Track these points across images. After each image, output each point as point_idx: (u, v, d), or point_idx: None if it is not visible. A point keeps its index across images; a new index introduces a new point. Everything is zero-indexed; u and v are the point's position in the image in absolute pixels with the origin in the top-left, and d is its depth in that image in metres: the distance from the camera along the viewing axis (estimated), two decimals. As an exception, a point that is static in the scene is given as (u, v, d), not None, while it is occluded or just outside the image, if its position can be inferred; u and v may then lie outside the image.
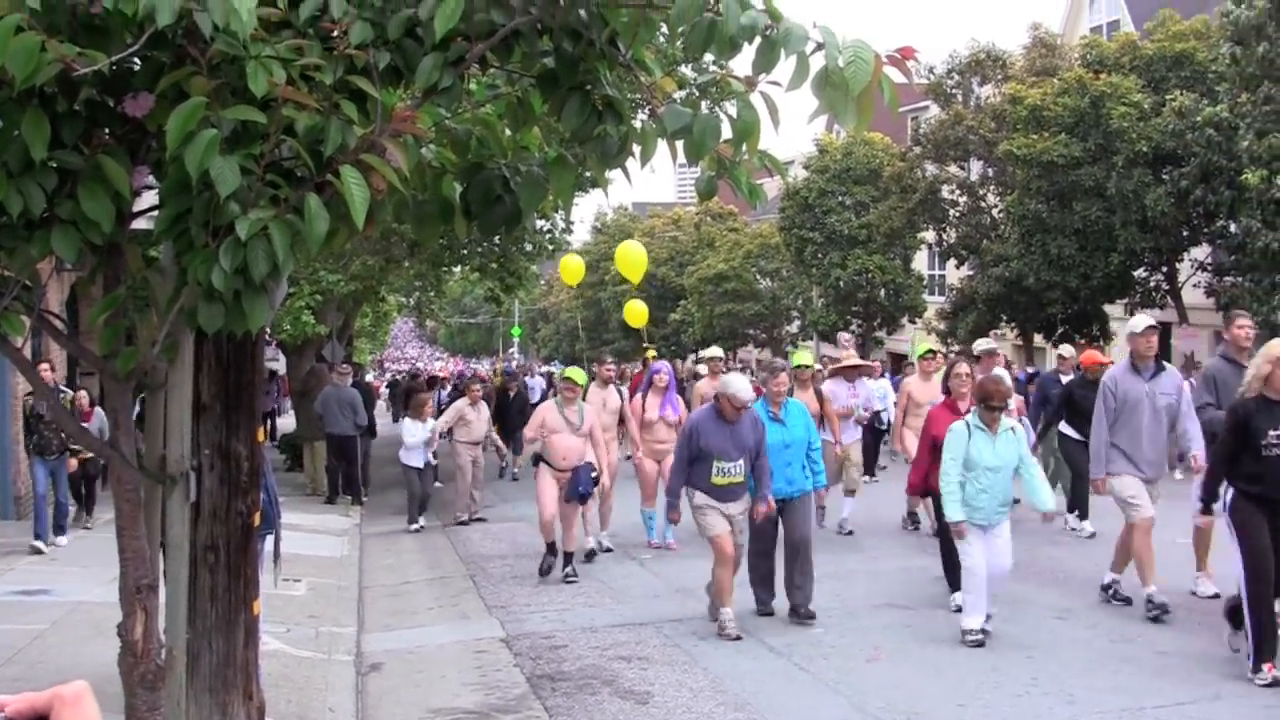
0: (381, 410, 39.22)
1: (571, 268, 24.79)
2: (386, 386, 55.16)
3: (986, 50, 35.30)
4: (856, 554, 14.32)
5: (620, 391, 16.14)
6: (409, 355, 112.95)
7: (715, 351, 19.98)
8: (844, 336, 23.13)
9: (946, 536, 10.96)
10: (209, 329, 4.19)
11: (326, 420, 21.14)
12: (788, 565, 11.15)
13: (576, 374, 14.31)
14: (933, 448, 11.13)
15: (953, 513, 10.01)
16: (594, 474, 13.73)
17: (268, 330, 22.94)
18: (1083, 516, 15.18)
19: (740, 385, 10.69)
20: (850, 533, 15.45)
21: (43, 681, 8.83)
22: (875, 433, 19.64)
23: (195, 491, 5.22)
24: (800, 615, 10.93)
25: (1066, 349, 17.50)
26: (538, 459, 14.11)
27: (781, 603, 11.22)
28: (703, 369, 20.16)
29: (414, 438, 18.59)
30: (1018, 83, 31.88)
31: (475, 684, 9.62)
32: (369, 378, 51.06)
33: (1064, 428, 15.11)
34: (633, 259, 21.86)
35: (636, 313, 24.36)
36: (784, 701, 8.73)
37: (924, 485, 11.66)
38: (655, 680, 9.37)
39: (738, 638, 10.34)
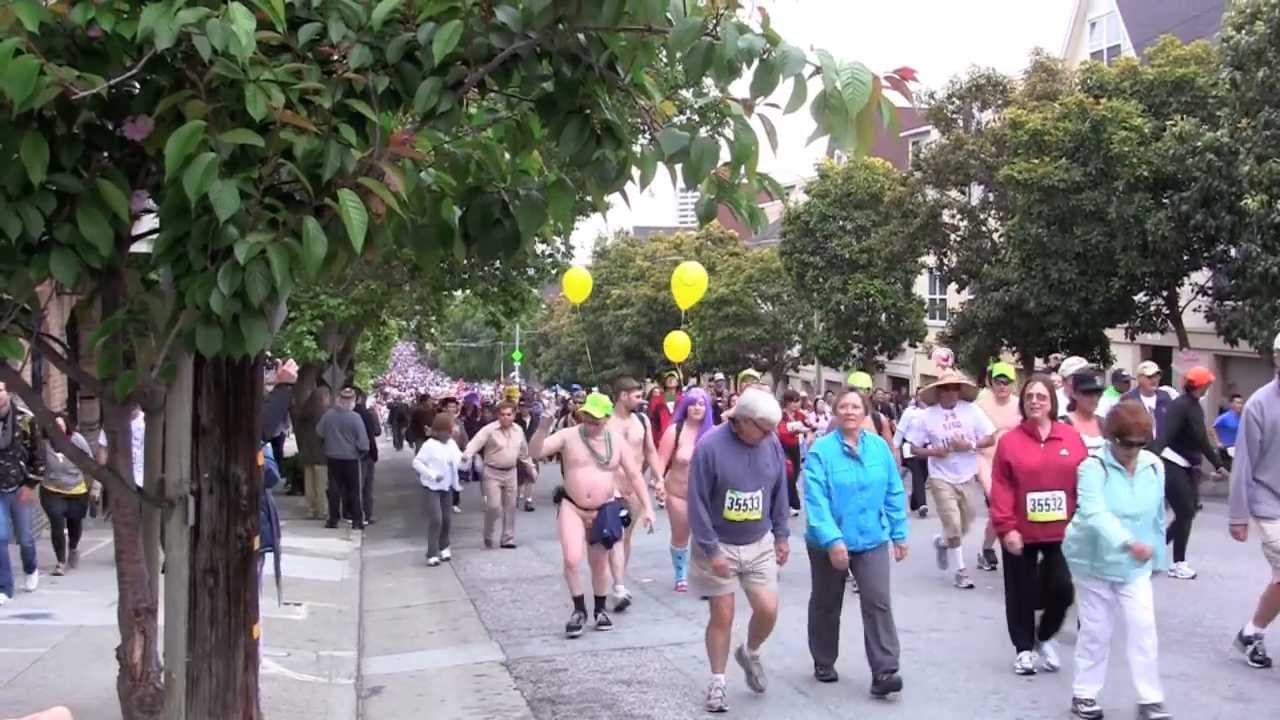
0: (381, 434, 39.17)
1: (577, 283, 24.20)
2: (387, 409, 55.00)
3: (987, 75, 35.38)
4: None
5: (643, 420, 14.19)
6: (410, 379, 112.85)
7: (751, 372, 18.35)
8: (940, 352, 20.02)
9: (1018, 586, 9.92)
10: (207, 352, 4.19)
11: (328, 444, 21.13)
12: (866, 626, 9.48)
13: (598, 404, 12.35)
14: (1007, 475, 9.74)
15: (1119, 536, 8.34)
16: (623, 512, 12.41)
17: (268, 354, 22.97)
18: (1179, 557, 13.85)
19: (769, 406, 8.95)
20: (971, 586, 13.44)
21: (42, 705, 8.80)
22: (922, 464, 18.13)
23: (194, 515, 5.22)
24: (882, 685, 9.33)
25: (1149, 366, 16.15)
26: (560, 494, 12.43)
27: (847, 668, 9.87)
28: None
29: (438, 461, 17.66)
30: (1018, 107, 31.90)
31: (475, 707, 9.61)
32: (370, 401, 50.80)
33: (1168, 453, 13.61)
34: (691, 280, 20.74)
35: (679, 345, 22.83)
36: (785, 726, 8.72)
37: (1014, 518, 9.63)
38: (655, 704, 9.35)
39: (721, 710, 9.06)
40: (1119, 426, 8.55)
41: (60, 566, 14.79)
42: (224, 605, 5.35)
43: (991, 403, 14.34)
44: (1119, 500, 8.50)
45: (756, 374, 18.09)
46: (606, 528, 12.03)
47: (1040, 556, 9.80)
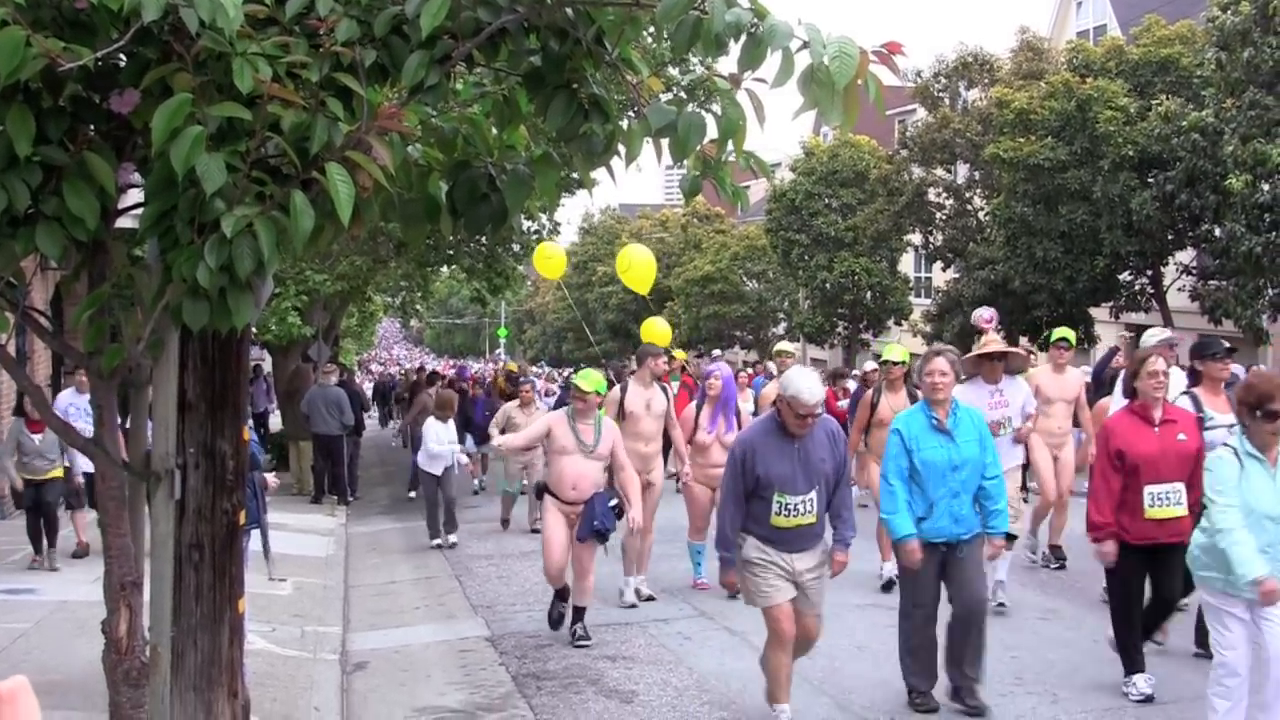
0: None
1: (549, 259, 21.61)
2: (372, 385, 54.76)
3: (974, 54, 35.35)
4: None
5: (666, 391, 12.58)
6: (395, 356, 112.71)
7: (786, 345, 16.06)
8: (983, 312, 18.14)
9: (1126, 596, 8.59)
10: (194, 326, 4.18)
11: (312, 420, 21.13)
12: (950, 635, 8.37)
13: (588, 379, 10.78)
14: (1116, 467, 8.32)
15: (1250, 568, 6.78)
16: (613, 503, 10.48)
17: (254, 330, 22.89)
18: None
19: (807, 384, 7.53)
20: (1002, 605, 11.06)
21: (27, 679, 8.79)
22: None
23: (180, 490, 5.21)
24: (968, 705, 8.27)
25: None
26: (542, 489, 11.02)
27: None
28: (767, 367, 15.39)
29: (439, 442, 16.50)
30: (1004, 86, 31.90)
31: (460, 683, 9.63)
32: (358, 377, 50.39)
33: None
34: (638, 269, 18.55)
35: (659, 333, 20.06)
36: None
37: (1116, 524, 8.31)
38: (640, 679, 9.39)
39: None
40: (1258, 395, 7.00)
41: (37, 560, 13.56)
42: (209, 580, 5.35)
43: (1049, 372, 12.83)
44: (1260, 499, 6.97)
45: (790, 348, 16.19)
46: (596, 519, 10.33)
47: (1146, 559, 8.45)
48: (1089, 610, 11.09)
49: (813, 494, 7.72)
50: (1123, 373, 10.73)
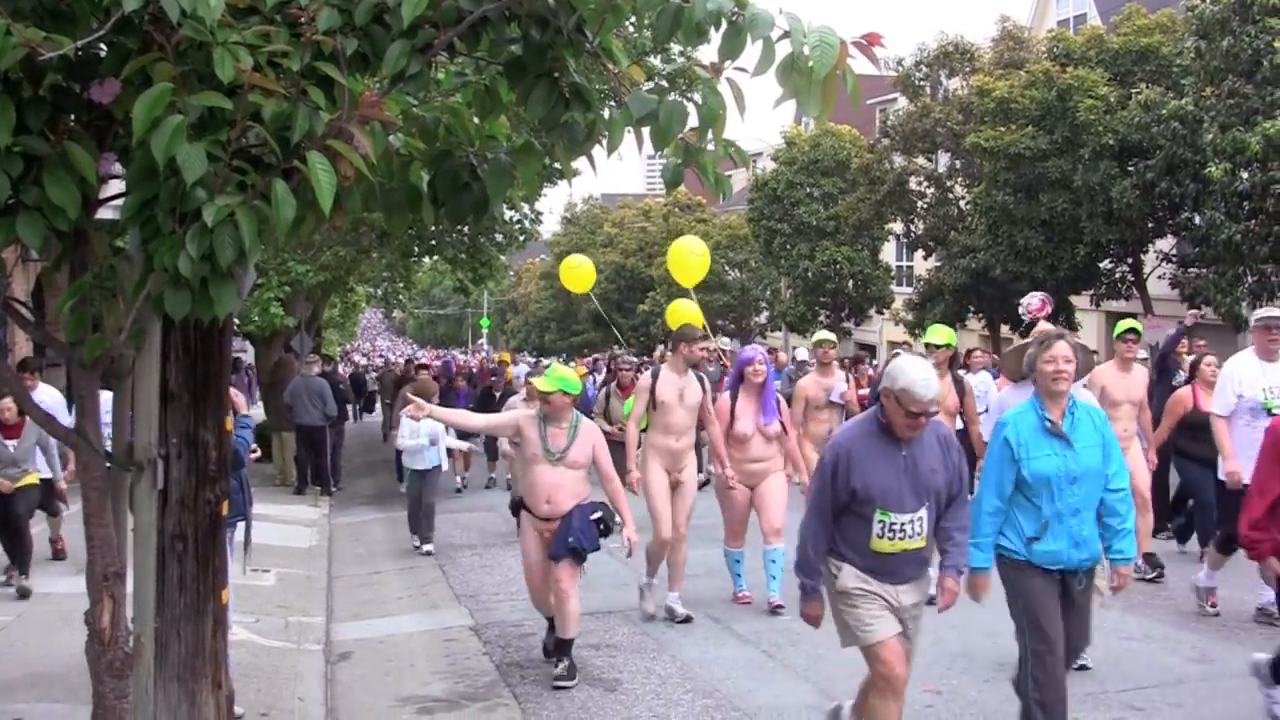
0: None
1: (577, 272, 21.68)
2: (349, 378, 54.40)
3: (955, 43, 35.40)
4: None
5: (703, 381, 11.17)
6: (378, 348, 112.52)
7: (826, 335, 14.20)
8: (1032, 301, 15.89)
9: None
10: (176, 315, 4.18)
11: (295, 411, 21.13)
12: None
13: (550, 378, 9.29)
14: (1274, 474, 7.08)
15: None
16: (596, 515, 9.14)
17: (236, 321, 22.80)
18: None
19: (922, 374, 6.07)
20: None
21: (9, 673, 8.81)
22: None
23: (163, 480, 5.21)
24: None
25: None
26: (517, 505, 9.71)
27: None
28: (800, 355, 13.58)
29: (412, 436, 15.33)
30: (985, 75, 31.95)
31: (445, 672, 9.65)
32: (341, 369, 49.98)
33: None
34: (691, 261, 17.62)
35: (691, 314, 18.56)
36: (752, 688, 8.78)
37: (1269, 535, 7.07)
38: (624, 668, 9.41)
39: None
40: None
41: (11, 573, 11.76)
42: (193, 570, 5.35)
43: (1113, 370, 11.44)
44: None
45: (829, 336, 14.10)
46: (572, 535, 8.95)
47: None
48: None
49: (922, 512, 6.31)
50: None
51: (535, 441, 9.09)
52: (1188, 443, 11.73)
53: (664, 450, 10.90)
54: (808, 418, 12.87)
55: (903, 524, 6.25)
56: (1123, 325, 11.51)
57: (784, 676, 9.01)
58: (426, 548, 15.35)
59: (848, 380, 14.46)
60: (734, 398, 11.03)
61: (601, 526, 9.14)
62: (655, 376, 11.05)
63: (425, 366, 23.55)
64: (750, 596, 11.26)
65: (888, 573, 6.35)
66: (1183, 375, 13.66)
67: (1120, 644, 9.56)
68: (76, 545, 10.89)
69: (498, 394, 21.70)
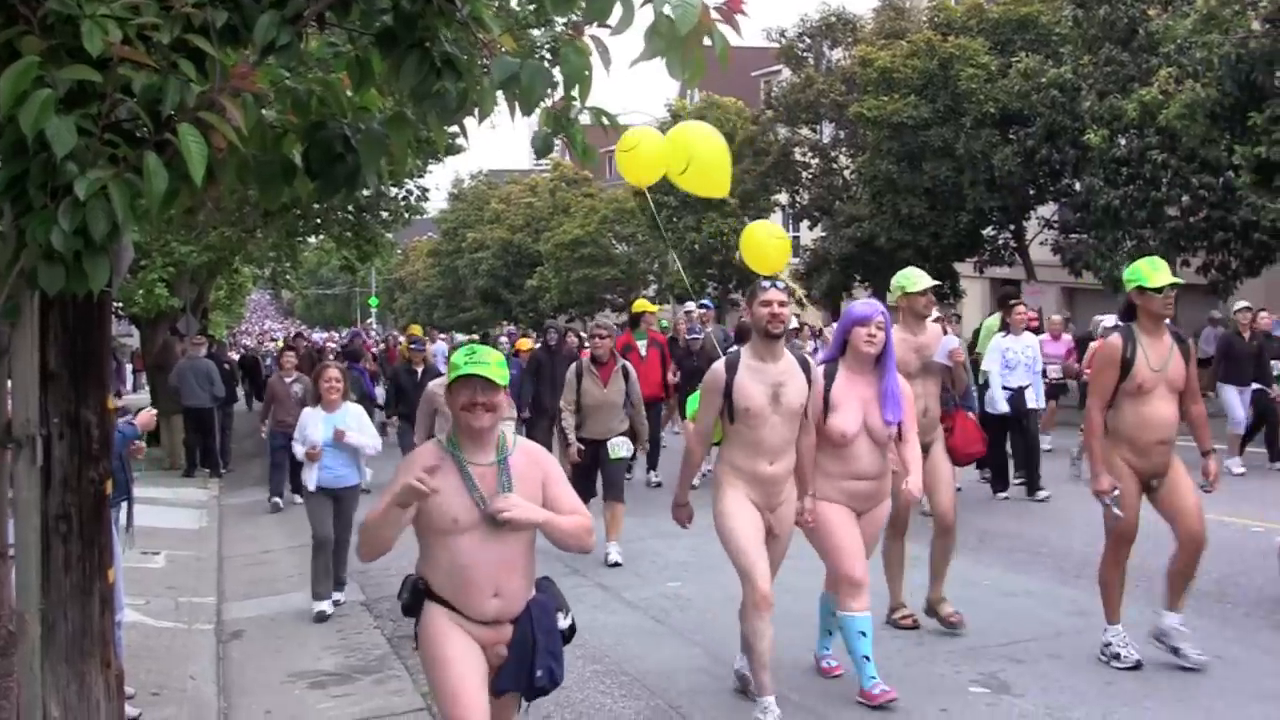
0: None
1: (637, 159, 17.16)
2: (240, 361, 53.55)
3: (837, 14, 35.79)
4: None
5: (809, 368, 7.35)
6: (266, 329, 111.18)
7: (917, 278, 10.20)
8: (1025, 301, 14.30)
9: None
10: (50, 290, 4.17)
11: (183, 393, 20.88)
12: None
13: (497, 365, 5.03)
14: None
15: None
16: (565, 624, 5.36)
17: (120, 304, 22.37)
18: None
19: None
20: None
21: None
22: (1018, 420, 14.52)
23: (45, 460, 5.19)
24: None
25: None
26: (420, 596, 5.55)
27: None
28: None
29: (316, 435, 10.84)
30: (868, 45, 32.32)
31: (337, 647, 9.67)
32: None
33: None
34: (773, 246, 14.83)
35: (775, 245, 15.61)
36: (642, 653, 8.88)
37: None
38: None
39: None
40: None
41: None
42: (78, 551, 5.33)
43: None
44: None
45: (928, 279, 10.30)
46: (540, 668, 5.14)
47: None
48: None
49: None
50: None
51: (459, 492, 5.08)
52: None
53: (751, 477, 7.19)
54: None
55: None
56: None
57: (673, 641, 9.13)
58: (339, 596, 11.16)
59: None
60: (829, 378, 7.48)
61: (567, 634, 5.40)
62: (732, 370, 7.15)
63: (293, 348, 20.88)
64: (841, 669, 8.07)
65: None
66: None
67: (1002, 600, 9.80)
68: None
69: (418, 370, 17.08)
